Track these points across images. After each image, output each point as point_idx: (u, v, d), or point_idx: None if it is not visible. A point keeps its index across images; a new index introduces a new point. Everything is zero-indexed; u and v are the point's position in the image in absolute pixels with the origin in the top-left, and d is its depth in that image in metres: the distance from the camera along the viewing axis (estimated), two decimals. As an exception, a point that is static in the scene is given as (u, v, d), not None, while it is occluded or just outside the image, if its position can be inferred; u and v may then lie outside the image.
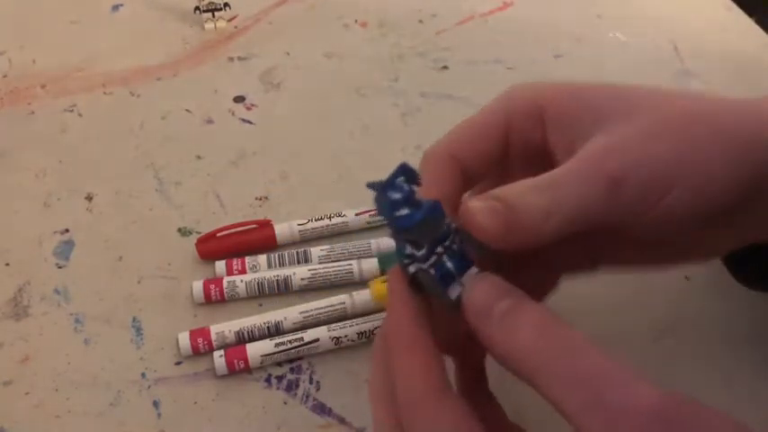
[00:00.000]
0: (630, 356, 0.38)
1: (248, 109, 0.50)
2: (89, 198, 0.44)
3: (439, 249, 0.25)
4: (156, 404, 0.35)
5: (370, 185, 0.24)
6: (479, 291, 0.24)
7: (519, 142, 0.29)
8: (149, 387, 0.36)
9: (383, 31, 0.57)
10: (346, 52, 0.55)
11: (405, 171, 0.25)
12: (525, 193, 0.25)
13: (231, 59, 0.53)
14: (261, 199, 0.44)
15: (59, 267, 0.41)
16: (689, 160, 0.25)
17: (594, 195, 0.25)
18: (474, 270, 0.25)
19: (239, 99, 0.50)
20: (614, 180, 0.25)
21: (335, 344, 0.37)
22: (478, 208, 0.24)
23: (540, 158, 0.29)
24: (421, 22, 0.58)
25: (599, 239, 0.28)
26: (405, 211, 0.24)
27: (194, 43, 0.54)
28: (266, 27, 0.56)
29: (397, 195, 0.24)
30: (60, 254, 0.41)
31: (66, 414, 0.35)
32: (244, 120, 0.49)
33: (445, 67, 0.54)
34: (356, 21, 0.58)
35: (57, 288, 0.40)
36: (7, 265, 0.41)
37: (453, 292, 0.25)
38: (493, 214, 0.24)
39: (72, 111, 0.49)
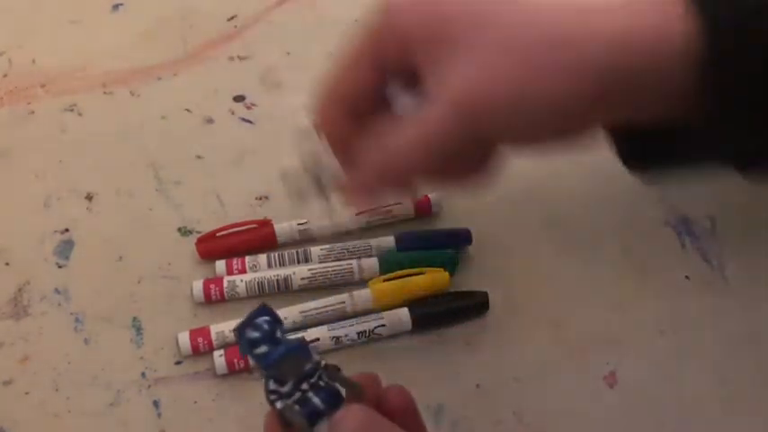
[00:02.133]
0: (630, 355, 0.38)
1: (248, 108, 0.50)
2: (89, 198, 0.44)
3: (304, 386, 0.25)
4: (156, 404, 0.35)
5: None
6: (344, 427, 0.24)
7: (395, 67, 0.30)
8: (149, 387, 0.36)
9: (383, 30, 0.57)
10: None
11: (265, 311, 0.26)
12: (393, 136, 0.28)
13: (231, 59, 0.53)
14: (261, 199, 0.44)
15: (59, 267, 0.41)
16: (531, 90, 0.26)
17: (451, 124, 0.27)
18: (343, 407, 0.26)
19: (239, 99, 0.50)
20: (465, 112, 0.26)
21: (335, 343, 0.37)
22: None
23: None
24: (421, 21, 0.58)
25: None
26: (264, 349, 0.26)
27: (194, 43, 0.54)
28: (266, 27, 0.56)
29: (255, 334, 0.26)
30: (60, 254, 0.41)
31: (66, 414, 0.35)
32: (244, 119, 0.49)
33: (445, 67, 0.54)
34: (356, 20, 0.57)
35: (57, 288, 0.40)
36: (7, 264, 0.41)
37: (321, 428, 0.25)
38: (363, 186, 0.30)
39: (72, 111, 0.49)
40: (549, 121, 0.27)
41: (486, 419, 0.36)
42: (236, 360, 0.36)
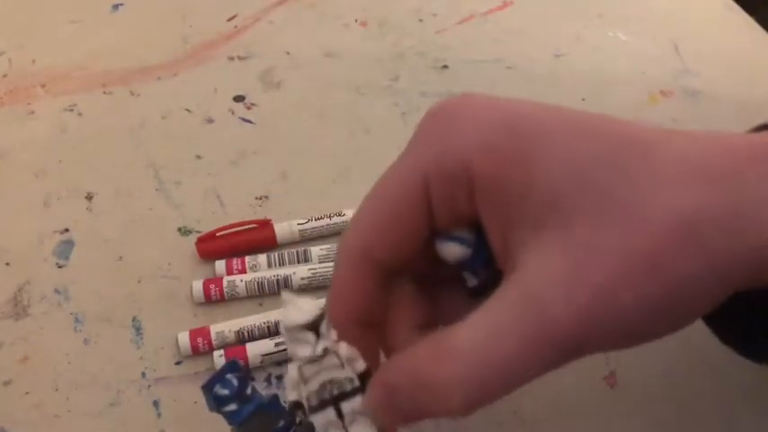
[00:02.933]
0: (630, 355, 0.38)
1: (248, 108, 0.50)
2: (89, 198, 0.44)
3: None
4: (156, 404, 0.35)
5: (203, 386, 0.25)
6: None
7: (445, 209, 0.23)
8: (149, 387, 0.36)
9: (383, 30, 0.57)
10: (346, 52, 0.55)
11: (235, 367, 0.25)
12: (442, 379, 0.20)
13: (231, 59, 0.53)
14: (261, 198, 0.44)
15: (59, 267, 0.41)
16: (673, 305, 0.20)
17: (543, 365, 0.20)
18: None
19: (239, 98, 0.50)
20: (570, 350, 0.20)
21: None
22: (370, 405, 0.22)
23: (472, 222, 0.23)
24: (421, 21, 0.58)
25: None
26: (233, 407, 0.24)
27: (194, 43, 0.54)
28: (266, 27, 0.56)
29: (224, 391, 0.24)
30: (60, 254, 0.41)
31: (66, 414, 0.35)
32: (244, 119, 0.49)
33: (445, 67, 0.54)
34: (356, 20, 0.58)
35: (57, 288, 0.40)
36: (7, 264, 0.41)
37: None
38: (393, 413, 0.21)
39: (72, 110, 0.49)
40: (674, 329, 0.21)
41: (486, 419, 0.36)
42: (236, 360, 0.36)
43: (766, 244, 0.19)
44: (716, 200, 0.19)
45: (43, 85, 0.51)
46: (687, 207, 0.19)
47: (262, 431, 0.25)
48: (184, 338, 0.37)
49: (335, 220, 0.42)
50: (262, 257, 0.40)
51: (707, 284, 0.20)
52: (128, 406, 0.35)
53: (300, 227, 0.42)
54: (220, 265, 0.40)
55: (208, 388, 0.25)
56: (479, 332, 0.19)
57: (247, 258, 0.40)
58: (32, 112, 0.49)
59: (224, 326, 0.37)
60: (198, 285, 0.39)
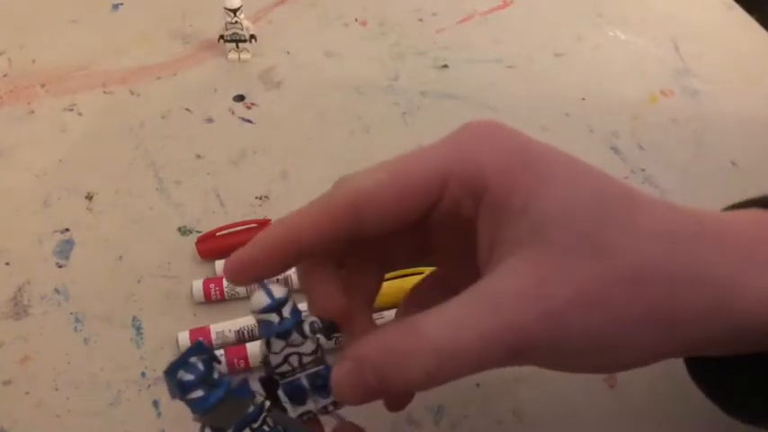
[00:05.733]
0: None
1: (248, 108, 0.50)
2: (89, 197, 0.44)
3: None
4: (155, 404, 0.35)
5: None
6: None
7: (447, 207, 0.25)
8: (149, 386, 0.36)
9: (383, 29, 0.57)
10: (346, 51, 0.55)
11: (200, 349, 0.23)
12: (404, 357, 0.22)
13: (231, 59, 0.53)
14: (261, 198, 0.44)
15: (59, 267, 0.41)
16: (613, 342, 0.22)
17: (491, 361, 0.22)
18: None
19: (239, 98, 0.50)
20: (516, 353, 0.22)
21: (335, 343, 0.37)
22: (344, 382, 0.23)
23: (462, 230, 0.25)
24: (421, 20, 0.58)
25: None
26: (199, 393, 0.22)
27: (194, 43, 0.54)
28: (266, 27, 0.56)
29: (189, 376, 0.22)
30: (60, 253, 0.41)
31: (66, 414, 0.35)
32: (244, 119, 0.49)
33: (445, 66, 0.54)
34: (356, 20, 0.58)
35: (57, 288, 0.40)
36: (7, 264, 0.41)
37: None
38: (358, 384, 0.23)
39: (72, 110, 0.49)
40: (619, 366, 0.24)
41: (486, 419, 0.36)
42: (236, 360, 0.36)
43: (721, 305, 0.22)
44: (670, 257, 0.22)
45: (43, 85, 0.51)
46: (645, 259, 0.22)
47: (230, 418, 0.23)
48: (184, 338, 0.37)
49: (335, 219, 0.42)
50: (262, 257, 0.40)
51: (648, 329, 0.22)
52: (128, 406, 0.35)
53: (300, 227, 0.42)
54: (220, 264, 0.40)
55: (170, 374, 0.23)
56: (447, 320, 0.22)
57: (247, 258, 0.40)
58: (32, 112, 0.49)
59: (224, 326, 0.37)
60: (198, 285, 0.39)
